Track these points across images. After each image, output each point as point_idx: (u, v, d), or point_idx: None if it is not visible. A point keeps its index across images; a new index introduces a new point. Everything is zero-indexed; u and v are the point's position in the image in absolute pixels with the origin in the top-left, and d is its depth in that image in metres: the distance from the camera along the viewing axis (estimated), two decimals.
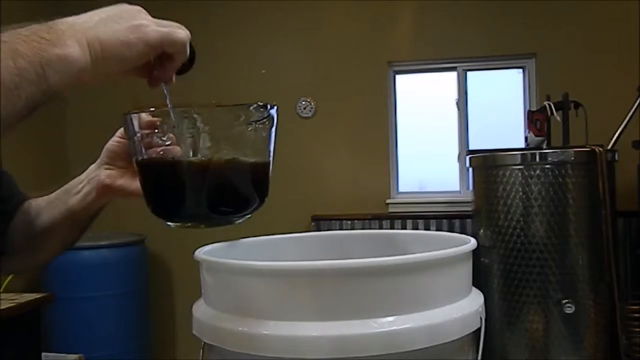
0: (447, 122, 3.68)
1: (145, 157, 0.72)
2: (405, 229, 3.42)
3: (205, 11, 3.77)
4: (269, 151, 0.74)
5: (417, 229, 3.41)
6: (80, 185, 0.83)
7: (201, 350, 0.66)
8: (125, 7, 0.61)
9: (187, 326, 0.67)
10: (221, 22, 3.80)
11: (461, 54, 3.59)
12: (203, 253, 0.69)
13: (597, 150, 2.39)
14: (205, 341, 0.64)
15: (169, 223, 0.73)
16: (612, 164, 2.51)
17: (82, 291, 3.15)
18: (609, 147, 2.58)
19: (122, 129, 0.80)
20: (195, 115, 0.70)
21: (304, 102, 3.69)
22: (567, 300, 2.32)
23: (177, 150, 0.72)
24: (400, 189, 3.70)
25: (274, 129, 0.73)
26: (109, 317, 3.24)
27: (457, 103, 3.66)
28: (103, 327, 3.20)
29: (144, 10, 0.63)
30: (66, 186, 0.85)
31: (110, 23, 0.59)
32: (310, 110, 3.69)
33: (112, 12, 0.60)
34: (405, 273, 0.58)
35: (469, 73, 3.67)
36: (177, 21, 0.68)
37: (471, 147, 3.55)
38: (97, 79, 0.60)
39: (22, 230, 0.86)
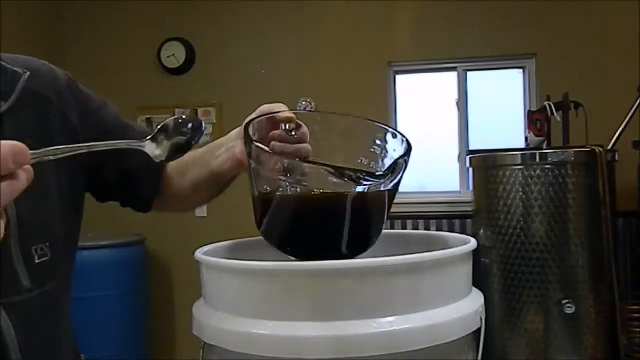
0: (447, 122, 3.68)
1: (265, 185, 0.67)
2: (405, 229, 3.42)
3: (205, 11, 3.77)
4: (396, 184, 0.69)
5: (417, 229, 3.41)
6: (220, 151, 0.86)
7: (201, 350, 0.66)
8: None
9: (187, 326, 0.67)
10: (221, 22, 3.80)
11: (461, 54, 3.59)
12: (203, 253, 0.69)
13: (597, 150, 2.39)
14: (205, 341, 0.64)
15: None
16: (612, 164, 2.51)
17: (82, 291, 3.14)
18: (609, 147, 2.58)
19: (260, 107, 0.79)
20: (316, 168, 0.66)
21: (304, 102, 3.67)
22: (567, 300, 2.32)
23: (306, 149, 0.73)
24: (400, 189, 3.69)
25: (406, 164, 0.68)
26: (109, 317, 3.24)
27: (457, 103, 3.66)
28: (103, 327, 3.20)
29: None
30: (210, 145, 0.89)
31: None
32: (310, 110, 3.68)
33: None
34: (405, 273, 0.58)
35: (469, 73, 3.67)
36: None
37: (471, 147, 3.55)
38: None
39: (173, 180, 0.93)
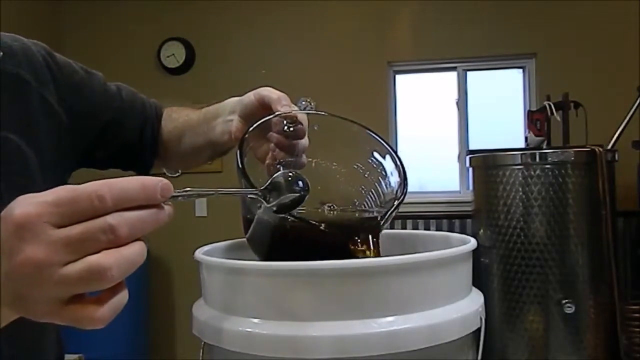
0: (447, 122, 3.68)
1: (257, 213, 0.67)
2: (405, 229, 3.42)
3: (205, 11, 3.77)
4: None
5: (417, 229, 3.41)
6: (217, 121, 0.85)
7: (201, 350, 0.66)
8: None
9: (187, 326, 0.67)
10: (221, 22, 3.80)
11: (461, 54, 3.59)
12: (203, 253, 0.69)
13: (597, 150, 2.39)
14: (205, 341, 0.64)
15: None
16: (612, 164, 2.51)
17: None
18: (609, 147, 2.58)
19: (260, 91, 0.79)
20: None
21: (304, 102, 3.67)
22: (567, 300, 2.32)
23: (302, 145, 0.73)
24: None
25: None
26: None
27: (457, 103, 3.66)
28: (103, 327, 3.20)
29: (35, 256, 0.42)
30: (207, 114, 0.88)
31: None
32: (310, 110, 3.68)
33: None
34: (405, 273, 0.58)
35: (469, 73, 3.67)
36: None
37: (471, 147, 3.55)
38: None
39: (171, 144, 0.93)
